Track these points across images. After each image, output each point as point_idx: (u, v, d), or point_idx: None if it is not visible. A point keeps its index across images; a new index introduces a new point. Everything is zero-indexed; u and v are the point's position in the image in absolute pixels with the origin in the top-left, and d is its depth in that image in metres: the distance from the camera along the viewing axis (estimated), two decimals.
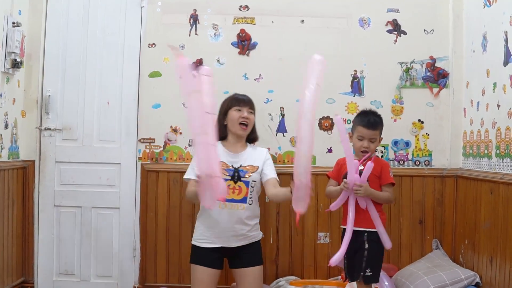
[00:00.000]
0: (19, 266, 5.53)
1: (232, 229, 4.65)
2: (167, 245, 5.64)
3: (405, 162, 5.62)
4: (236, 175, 4.69)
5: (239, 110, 4.79)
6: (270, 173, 4.80)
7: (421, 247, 5.59)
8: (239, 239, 4.70)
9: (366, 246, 4.35)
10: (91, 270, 5.70)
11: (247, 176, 4.71)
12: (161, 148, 5.65)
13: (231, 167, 4.72)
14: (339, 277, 5.39)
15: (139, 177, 5.65)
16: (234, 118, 4.78)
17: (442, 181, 5.58)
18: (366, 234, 4.36)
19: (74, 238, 5.70)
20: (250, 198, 4.71)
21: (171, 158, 5.64)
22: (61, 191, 5.68)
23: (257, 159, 4.82)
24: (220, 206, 4.60)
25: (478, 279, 4.95)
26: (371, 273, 4.39)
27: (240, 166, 4.74)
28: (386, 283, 5.12)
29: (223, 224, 4.64)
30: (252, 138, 4.96)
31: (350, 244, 4.29)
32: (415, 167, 5.63)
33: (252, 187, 4.72)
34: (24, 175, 5.58)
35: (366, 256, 4.37)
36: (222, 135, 4.86)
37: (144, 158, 5.64)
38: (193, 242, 4.80)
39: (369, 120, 4.52)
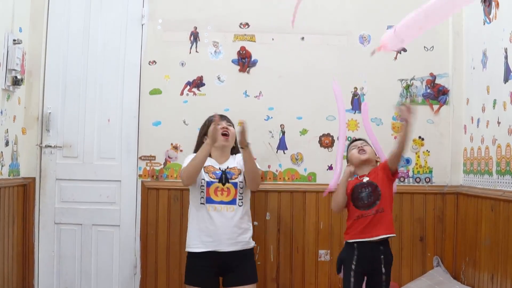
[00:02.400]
0: (19, 283, 5.50)
1: (223, 232, 4.67)
2: (167, 263, 5.61)
3: (406, 179, 5.62)
4: (223, 177, 4.75)
5: (218, 124, 4.80)
6: None
7: (422, 264, 5.58)
8: (231, 243, 4.69)
9: (384, 270, 4.35)
10: (91, 287, 5.68)
11: (234, 177, 4.77)
12: (162, 166, 5.65)
13: (218, 170, 4.78)
14: None
15: (140, 195, 5.64)
16: (216, 130, 4.79)
17: (443, 198, 5.57)
18: (382, 247, 4.37)
19: (74, 256, 5.68)
20: (240, 199, 4.76)
21: (171, 176, 5.63)
22: (62, 208, 5.67)
23: (239, 163, 4.85)
24: (210, 208, 4.68)
25: None
26: None
27: (227, 168, 4.80)
28: None
29: (213, 226, 4.68)
30: (236, 151, 5.01)
31: (360, 266, 4.35)
32: (416, 184, 5.62)
33: (241, 188, 4.77)
34: (24, 192, 5.57)
35: (384, 281, 4.38)
36: None
37: (145, 175, 5.64)
38: (187, 249, 4.82)
39: None
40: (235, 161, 4.89)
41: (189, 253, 4.79)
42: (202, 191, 4.72)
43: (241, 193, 4.77)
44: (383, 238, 4.35)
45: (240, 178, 4.78)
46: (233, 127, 4.94)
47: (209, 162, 4.82)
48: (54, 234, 5.67)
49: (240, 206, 4.74)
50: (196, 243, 4.74)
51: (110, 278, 5.67)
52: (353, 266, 4.35)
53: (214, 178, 4.73)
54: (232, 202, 4.73)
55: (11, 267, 5.32)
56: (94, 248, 5.68)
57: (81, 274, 5.68)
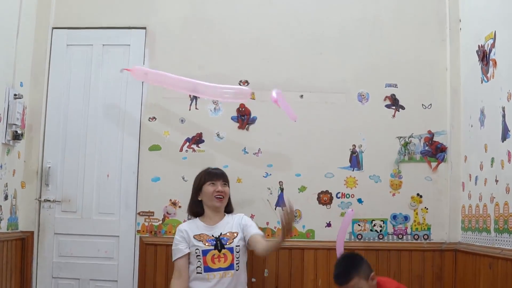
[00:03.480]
0: None
1: None
2: None
3: (404, 236, 5.60)
4: (219, 244, 4.74)
5: (213, 184, 4.87)
6: (253, 230, 4.85)
7: None
8: None
9: None
10: None
11: (229, 243, 4.76)
12: (160, 222, 5.64)
13: (212, 237, 4.78)
14: None
15: (138, 250, 5.61)
16: (209, 193, 4.87)
17: (441, 255, 5.54)
18: None
19: None
20: (237, 264, 4.76)
21: (169, 232, 5.60)
22: (59, 262, 5.64)
23: (234, 226, 4.89)
24: (209, 276, 4.68)
25: None
26: None
27: (221, 234, 4.80)
28: None
29: None
30: (228, 210, 5.07)
31: None
32: (414, 241, 5.60)
33: (238, 252, 4.76)
34: (22, 246, 5.55)
35: None
36: (198, 210, 4.99)
37: (143, 231, 5.63)
38: None
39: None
40: (229, 224, 4.92)
41: None
42: (199, 260, 4.72)
43: (237, 257, 4.76)
44: None
45: (236, 242, 4.78)
46: (228, 185, 5.01)
47: (200, 230, 4.85)
48: None
49: (237, 270, 4.74)
50: None
51: None
52: None
53: (209, 246, 4.74)
54: (230, 267, 4.72)
55: None
56: None
57: None
